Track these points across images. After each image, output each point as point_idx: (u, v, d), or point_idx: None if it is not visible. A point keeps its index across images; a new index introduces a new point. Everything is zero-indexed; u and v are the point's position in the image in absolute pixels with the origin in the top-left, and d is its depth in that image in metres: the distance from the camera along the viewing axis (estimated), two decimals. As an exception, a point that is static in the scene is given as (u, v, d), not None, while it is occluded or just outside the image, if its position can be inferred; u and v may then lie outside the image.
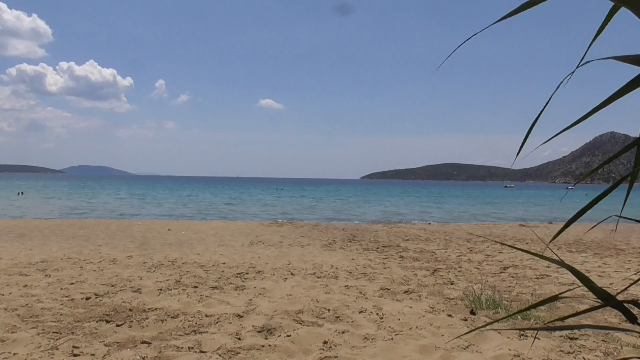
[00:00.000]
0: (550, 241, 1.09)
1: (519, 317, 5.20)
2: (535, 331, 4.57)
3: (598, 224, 1.13)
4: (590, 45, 1.01)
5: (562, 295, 1.04)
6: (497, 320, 1.21)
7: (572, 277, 7.71)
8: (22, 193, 44.46)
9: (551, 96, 1.03)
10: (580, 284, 0.97)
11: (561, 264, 0.99)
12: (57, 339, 4.31)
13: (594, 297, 0.94)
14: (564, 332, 4.63)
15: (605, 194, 0.97)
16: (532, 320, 5.12)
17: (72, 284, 6.68)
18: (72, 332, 4.51)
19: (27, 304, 5.47)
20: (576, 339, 4.52)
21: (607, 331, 4.82)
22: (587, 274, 8.14)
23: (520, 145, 1.11)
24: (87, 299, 5.82)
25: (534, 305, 1.03)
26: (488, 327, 4.91)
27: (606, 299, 0.91)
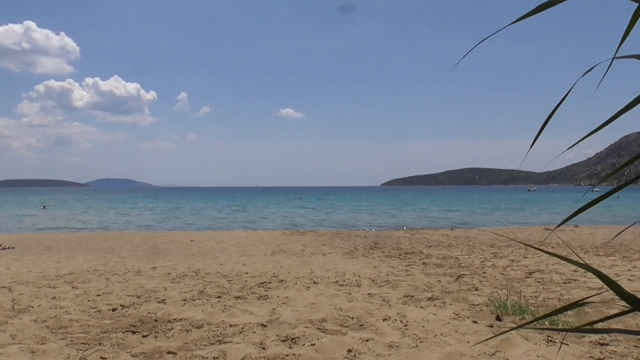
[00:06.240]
0: (556, 228, 1.06)
1: (546, 323, 5.09)
2: (563, 337, 4.47)
3: (623, 230, 1.11)
4: (618, 48, 0.97)
5: (590, 300, 1.03)
6: (522, 325, 1.16)
7: (600, 281, 7.52)
8: (45, 206, 45.67)
9: (566, 95, 1.02)
10: (608, 288, 0.96)
11: (587, 267, 0.98)
12: (85, 350, 4.39)
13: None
14: (594, 338, 4.51)
15: (613, 192, 0.95)
16: (560, 325, 5.01)
17: (98, 295, 6.80)
18: (100, 343, 4.59)
19: (56, 316, 5.59)
20: (606, 344, 4.41)
21: (638, 336, 4.68)
22: (616, 278, 7.95)
23: (530, 145, 1.09)
24: (114, 310, 5.92)
25: (561, 310, 1.01)
26: (513, 331, 4.82)
27: (635, 303, 0.90)
